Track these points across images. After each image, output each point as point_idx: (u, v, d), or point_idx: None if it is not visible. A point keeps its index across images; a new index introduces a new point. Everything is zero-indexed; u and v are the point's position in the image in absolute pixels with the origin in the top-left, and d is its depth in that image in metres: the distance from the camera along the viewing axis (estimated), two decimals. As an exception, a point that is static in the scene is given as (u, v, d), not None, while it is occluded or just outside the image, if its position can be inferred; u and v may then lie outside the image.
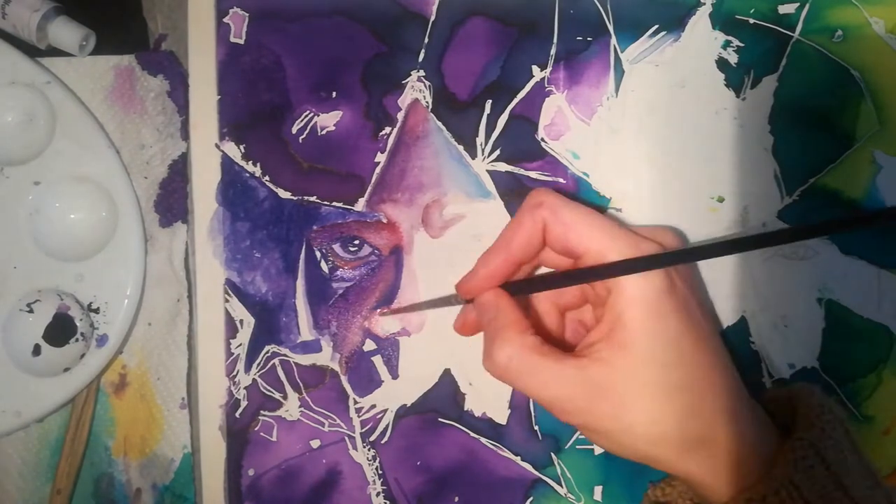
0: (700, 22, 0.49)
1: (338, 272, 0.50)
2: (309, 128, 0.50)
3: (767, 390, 0.44)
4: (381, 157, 0.50)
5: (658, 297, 0.39)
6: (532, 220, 0.42)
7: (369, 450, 0.50)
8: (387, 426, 0.50)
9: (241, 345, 0.50)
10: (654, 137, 0.49)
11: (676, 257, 0.40)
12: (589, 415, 0.39)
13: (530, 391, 0.40)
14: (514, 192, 0.49)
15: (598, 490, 0.50)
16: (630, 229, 0.42)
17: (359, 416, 0.50)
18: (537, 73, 0.49)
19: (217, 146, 0.50)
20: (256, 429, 0.50)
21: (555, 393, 0.39)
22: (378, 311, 0.50)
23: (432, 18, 0.49)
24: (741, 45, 0.48)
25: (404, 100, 0.50)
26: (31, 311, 0.49)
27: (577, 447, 0.50)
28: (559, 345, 0.42)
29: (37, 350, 0.49)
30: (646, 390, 0.39)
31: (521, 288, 0.44)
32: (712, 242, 0.39)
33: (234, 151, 0.50)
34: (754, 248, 0.39)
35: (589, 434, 0.41)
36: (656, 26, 0.49)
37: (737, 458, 0.39)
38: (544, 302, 0.45)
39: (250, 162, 0.50)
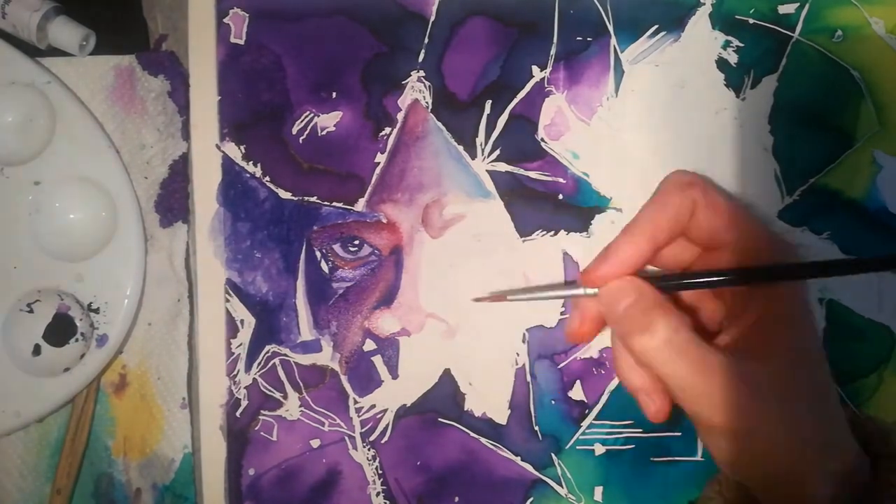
0: (700, 22, 0.49)
1: (338, 272, 0.50)
2: (309, 128, 0.50)
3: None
4: (380, 158, 0.50)
5: (804, 301, 0.38)
6: (682, 199, 0.39)
7: (369, 449, 0.50)
8: (387, 426, 0.50)
9: (241, 344, 0.50)
10: (654, 137, 0.49)
11: (844, 266, 0.39)
12: (733, 411, 0.35)
13: (680, 374, 0.36)
14: (514, 192, 0.49)
15: (598, 490, 0.50)
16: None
17: (359, 416, 0.50)
18: (537, 73, 0.49)
19: (218, 147, 0.50)
20: (257, 428, 0.50)
21: (705, 381, 0.36)
22: (473, 299, 0.46)
23: (432, 18, 0.49)
24: (741, 45, 0.48)
25: (404, 100, 0.50)
26: (31, 311, 0.49)
27: (578, 447, 0.50)
28: None
29: (37, 350, 0.49)
30: (810, 393, 0.37)
31: (669, 286, 0.40)
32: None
33: (234, 152, 0.50)
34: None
35: (737, 446, 0.37)
36: (656, 26, 0.49)
37: (846, 486, 0.36)
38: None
39: (251, 162, 0.50)
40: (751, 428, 0.36)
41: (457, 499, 0.50)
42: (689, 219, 0.39)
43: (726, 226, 0.39)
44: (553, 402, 0.50)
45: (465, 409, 0.50)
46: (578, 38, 0.49)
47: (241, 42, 0.50)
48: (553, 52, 0.49)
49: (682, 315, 0.38)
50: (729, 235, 0.39)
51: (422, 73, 0.50)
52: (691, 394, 0.36)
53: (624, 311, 0.38)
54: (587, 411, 0.50)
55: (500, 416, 0.50)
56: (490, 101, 0.49)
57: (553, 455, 0.50)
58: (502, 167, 0.49)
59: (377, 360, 0.50)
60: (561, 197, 0.49)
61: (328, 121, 0.50)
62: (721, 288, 0.41)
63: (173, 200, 0.52)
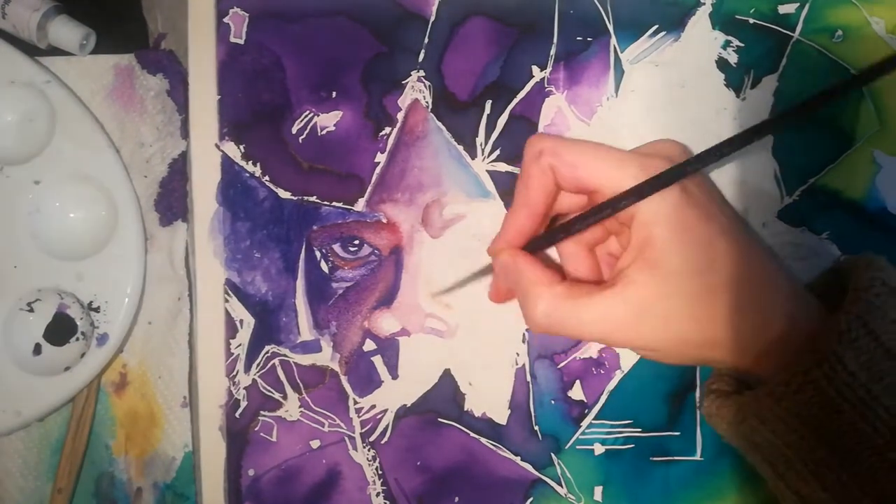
0: (700, 22, 0.49)
1: (338, 272, 0.50)
2: (309, 128, 0.50)
3: (832, 266, 0.45)
4: (381, 158, 0.50)
5: (677, 209, 0.39)
6: (539, 170, 0.42)
7: (369, 450, 0.50)
8: (387, 426, 0.50)
9: (240, 345, 0.50)
10: (654, 137, 0.49)
11: (680, 171, 0.40)
12: (641, 337, 0.40)
13: (579, 335, 0.41)
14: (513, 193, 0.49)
15: (598, 490, 0.50)
16: (634, 151, 0.42)
17: (359, 417, 0.50)
18: (537, 74, 0.49)
19: (217, 146, 0.50)
20: (256, 429, 0.50)
21: (601, 328, 0.40)
22: (432, 293, 0.50)
23: (432, 19, 0.49)
24: (741, 45, 0.48)
25: (404, 100, 0.50)
26: (31, 311, 0.49)
27: (577, 447, 0.50)
28: (598, 281, 0.44)
29: (37, 349, 0.49)
30: (688, 299, 0.39)
31: (539, 244, 0.43)
32: (711, 147, 0.39)
33: (234, 151, 0.50)
34: (751, 140, 0.39)
35: (650, 354, 0.42)
36: (656, 26, 0.49)
37: (788, 344, 0.39)
38: (569, 246, 0.45)
39: (250, 162, 0.50)
40: (651, 347, 0.41)
41: (457, 499, 0.50)
42: (552, 184, 0.42)
43: (589, 176, 0.41)
44: (553, 401, 0.50)
45: (465, 409, 0.50)
46: (578, 38, 0.49)
47: (241, 42, 0.50)
48: (553, 52, 0.49)
49: (552, 287, 0.41)
50: (595, 182, 0.41)
51: (422, 73, 0.50)
52: (595, 340, 0.43)
53: (515, 291, 0.43)
54: (587, 411, 0.50)
55: (500, 416, 0.50)
56: (490, 102, 0.49)
57: (553, 455, 0.50)
58: (502, 167, 0.49)
59: (377, 360, 0.50)
60: (561, 197, 0.49)
61: (328, 120, 0.50)
62: (613, 224, 0.43)
63: (173, 199, 0.52)
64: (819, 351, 0.38)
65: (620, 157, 0.41)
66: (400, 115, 0.50)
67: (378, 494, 0.50)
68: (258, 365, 0.50)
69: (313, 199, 0.50)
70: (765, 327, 0.40)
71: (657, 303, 0.39)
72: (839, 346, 0.37)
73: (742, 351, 0.40)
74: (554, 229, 0.44)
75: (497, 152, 0.49)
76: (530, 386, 0.50)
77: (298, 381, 0.50)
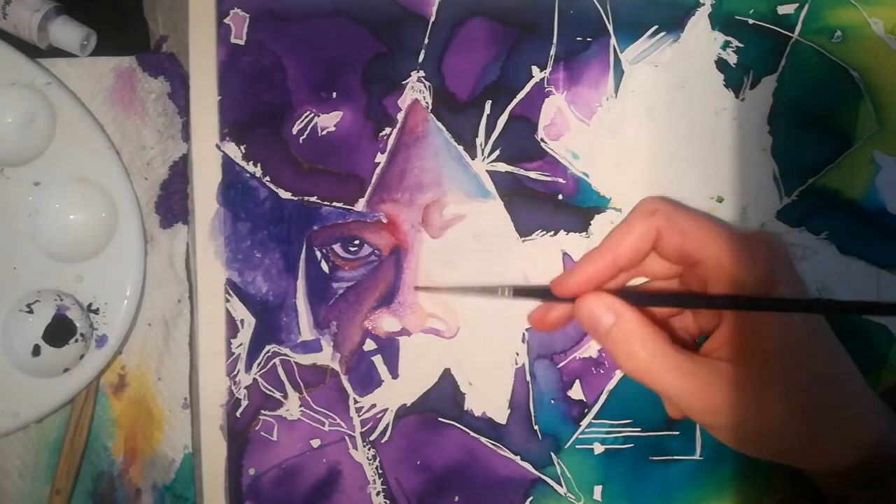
0: (699, 22, 0.49)
1: (338, 272, 0.50)
2: (309, 128, 0.50)
3: None
4: (381, 158, 0.50)
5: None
6: (645, 227, 0.41)
7: (369, 449, 0.50)
8: (387, 426, 0.50)
9: (241, 344, 0.50)
10: (654, 138, 0.49)
11: (818, 306, 0.40)
12: (730, 414, 0.39)
13: (672, 387, 0.39)
14: (513, 193, 0.49)
15: (597, 490, 0.50)
16: (735, 233, 0.41)
17: (359, 416, 0.50)
18: (537, 74, 0.49)
19: (218, 147, 0.50)
20: (257, 428, 0.50)
21: (696, 389, 0.39)
22: (415, 287, 0.50)
23: (432, 19, 0.50)
24: (740, 45, 0.49)
25: (404, 100, 0.50)
26: (30, 312, 0.49)
27: (577, 447, 0.50)
28: None
29: (36, 350, 0.49)
30: (786, 390, 0.39)
31: (639, 301, 0.42)
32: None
33: (234, 152, 0.50)
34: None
35: (725, 433, 0.40)
36: (656, 27, 0.49)
37: (874, 458, 0.40)
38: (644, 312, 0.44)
39: (251, 162, 0.50)
40: (737, 422, 0.39)
41: (457, 498, 0.50)
42: (650, 244, 0.42)
43: (695, 247, 0.41)
44: (552, 401, 0.50)
45: (465, 408, 0.50)
46: (578, 39, 0.49)
47: (242, 42, 0.50)
48: (553, 52, 0.49)
49: (659, 333, 0.40)
50: (700, 255, 0.41)
51: (422, 73, 0.50)
52: (680, 400, 0.40)
53: (606, 335, 0.41)
54: (586, 410, 0.50)
55: (500, 415, 0.50)
56: (490, 102, 0.49)
57: (552, 454, 0.50)
58: (502, 167, 0.50)
59: (377, 360, 0.50)
60: (561, 197, 0.49)
61: (328, 121, 0.50)
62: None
63: (173, 201, 0.52)
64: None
65: (732, 239, 0.40)
66: (400, 116, 0.50)
67: (378, 493, 0.50)
68: (259, 364, 0.50)
69: (314, 199, 0.50)
70: (857, 430, 0.40)
71: (757, 387, 0.39)
72: None
73: (833, 454, 0.40)
74: (663, 295, 0.44)
75: (497, 152, 0.49)
76: (530, 385, 0.50)
77: (299, 380, 0.50)
